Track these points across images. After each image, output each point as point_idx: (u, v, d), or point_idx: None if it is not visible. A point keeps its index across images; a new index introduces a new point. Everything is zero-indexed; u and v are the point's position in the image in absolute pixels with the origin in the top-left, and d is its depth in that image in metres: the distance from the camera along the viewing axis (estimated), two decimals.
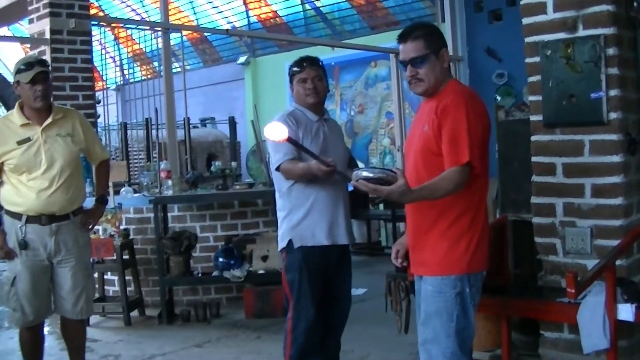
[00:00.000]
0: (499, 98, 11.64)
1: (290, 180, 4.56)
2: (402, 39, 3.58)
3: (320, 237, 4.55)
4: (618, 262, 4.11)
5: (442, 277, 3.43)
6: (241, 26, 16.46)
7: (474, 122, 3.37)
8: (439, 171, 3.36)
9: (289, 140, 4.04)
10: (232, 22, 16.57)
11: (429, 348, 3.48)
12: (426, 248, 3.51)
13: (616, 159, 4.30)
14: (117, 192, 7.81)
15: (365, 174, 3.22)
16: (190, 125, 11.10)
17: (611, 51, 4.30)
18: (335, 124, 5.02)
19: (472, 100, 3.46)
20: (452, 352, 3.42)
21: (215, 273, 7.19)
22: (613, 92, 4.30)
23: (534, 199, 4.60)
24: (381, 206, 11.22)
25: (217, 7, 16.53)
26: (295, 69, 4.69)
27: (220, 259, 7.09)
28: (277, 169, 4.52)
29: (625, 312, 3.82)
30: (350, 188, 3.78)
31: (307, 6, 15.28)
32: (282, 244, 4.62)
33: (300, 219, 4.55)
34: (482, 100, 3.55)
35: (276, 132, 4.06)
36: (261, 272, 7.03)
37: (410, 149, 3.64)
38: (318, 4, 15.06)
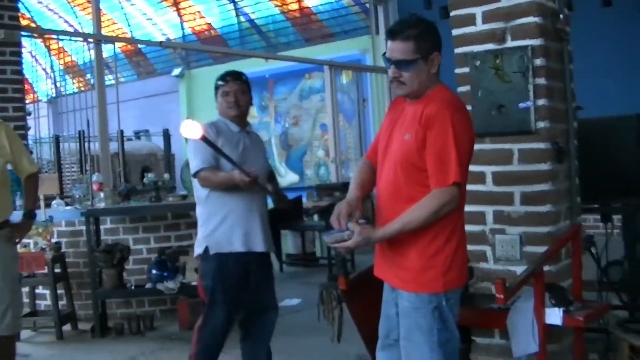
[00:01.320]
0: None
1: (207, 188, 4.66)
2: (391, 35, 3.37)
3: (236, 244, 4.67)
4: (547, 268, 4.18)
5: (417, 294, 3.32)
6: (175, 38, 16.43)
7: (461, 138, 3.20)
8: (420, 187, 3.24)
9: (204, 139, 4.12)
10: (166, 35, 16.52)
11: None
12: (402, 262, 3.35)
13: (544, 167, 4.36)
14: (48, 205, 7.70)
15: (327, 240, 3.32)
16: (124, 138, 11.01)
17: (538, 62, 4.37)
18: (258, 137, 5.16)
19: (458, 112, 3.28)
20: None
21: (148, 285, 7.13)
22: (541, 102, 4.37)
23: (465, 208, 4.64)
24: (315, 217, 11.25)
25: (151, 19, 16.46)
26: (219, 82, 4.90)
27: (154, 271, 7.03)
28: (195, 175, 4.64)
29: (554, 316, 3.88)
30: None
31: (242, 18, 15.31)
32: (198, 250, 4.73)
33: (217, 225, 4.68)
34: (467, 110, 3.44)
35: (191, 129, 4.23)
36: (194, 283, 6.96)
37: (387, 157, 3.43)
38: (253, 16, 15.09)
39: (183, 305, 7.04)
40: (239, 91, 4.88)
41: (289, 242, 11.61)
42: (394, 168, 3.36)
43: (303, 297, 8.04)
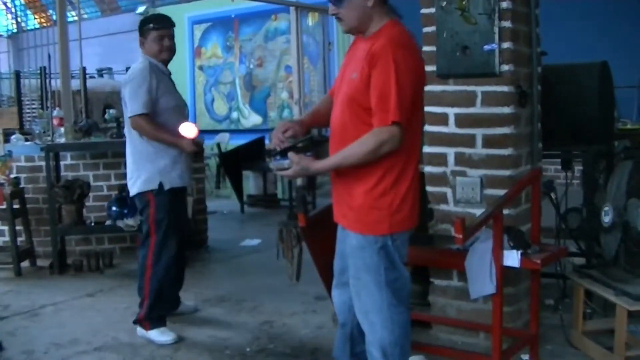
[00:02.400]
0: None
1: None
2: None
3: (183, 180, 5.12)
4: (506, 212, 4.20)
5: (363, 235, 3.33)
6: None
7: (403, 77, 3.13)
8: (366, 126, 3.21)
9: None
10: None
11: (365, 300, 3.40)
12: (349, 201, 3.36)
13: (507, 110, 4.37)
14: (7, 140, 7.58)
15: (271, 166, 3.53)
16: (87, 76, 10.84)
17: (505, 4, 4.35)
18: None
19: (403, 50, 3.19)
20: (387, 303, 3.35)
21: (108, 222, 7.08)
22: (505, 45, 4.35)
23: (426, 149, 4.64)
24: (278, 158, 11.20)
25: None
26: (154, 25, 5.08)
27: (114, 208, 6.96)
28: (132, 117, 4.92)
29: (511, 258, 3.90)
30: None
31: None
32: (150, 185, 4.98)
33: (170, 163, 5.01)
34: (417, 48, 3.38)
35: (188, 130, 4.95)
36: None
37: (338, 96, 3.42)
38: None
39: None
40: (172, 36, 5.14)
41: (251, 183, 11.58)
42: (342, 107, 3.35)
43: (263, 237, 8.05)
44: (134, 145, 5.04)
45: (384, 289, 3.34)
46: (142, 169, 4.99)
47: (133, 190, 5.07)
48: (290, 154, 3.29)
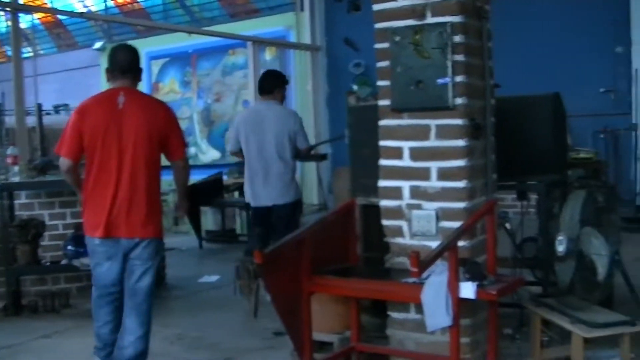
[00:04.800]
0: (355, 87, 11.80)
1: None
2: None
3: None
4: (462, 243, 4.23)
5: None
6: (98, 10, 16.08)
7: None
8: None
9: None
10: (88, 6, 16.16)
11: None
12: None
13: (461, 143, 4.40)
14: None
15: None
16: (43, 112, 10.75)
17: (457, 39, 4.39)
18: None
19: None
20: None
21: (64, 261, 6.98)
22: (459, 79, 4.39)
23: (382, 183, 4.66)
24: (236, 194, 11.20)
25: None
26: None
27: (70, 247, 6.88)
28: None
29: (467, 290, 3.92)
30: None
31: None
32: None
33: None
34: (94, 99, 4.66)
35: None
36: None
37: None
38: None
39: None
40: None
41: (209, 219, 11.53)
42: None
43: (222, 273, 7.98)
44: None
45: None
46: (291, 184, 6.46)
47: None
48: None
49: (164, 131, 4.59)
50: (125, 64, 4.62)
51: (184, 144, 4.80)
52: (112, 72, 4.62)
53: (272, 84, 6.81)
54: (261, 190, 6.52)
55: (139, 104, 4.59)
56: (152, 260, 4.60)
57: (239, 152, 6.88)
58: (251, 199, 6.59)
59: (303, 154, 6.90)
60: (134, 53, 4.71)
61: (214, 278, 8.00)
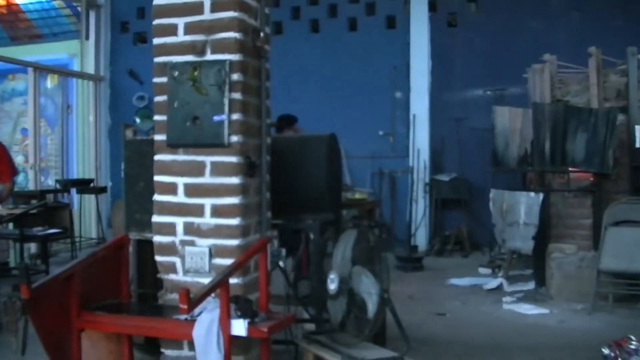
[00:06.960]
0: (138, 120, 11.69)
1: None
2: None
3: None
4: (235, 281, 4.25)
5: None
6: None
7: None
8: None
9: None
10: None
11: None
12: None
13: (235, 180, 4.43)
14: None
15: None
16: None
17: (235, 77, 4.45)
18: None
19: None
20: None
21: None
22: (235, 116, 4.44)
23: (155, 218, 4.62)
24: (10, 225, 10.71)
25: None
26: None
27: None
28: None
29: (238, 327, 3.95)
30: None
31: None
32: None
33: None
34: None
35: None
36: None
37: None
38: None
39: None
40: None
41: None
42: None
43: None
44: None
45: None
46: None
47: None
48: None
49: None
50: None
51: None
52: None
53: None
54: None
55: None
56: None
57: None
58: None
59: None
60: None
61: None
